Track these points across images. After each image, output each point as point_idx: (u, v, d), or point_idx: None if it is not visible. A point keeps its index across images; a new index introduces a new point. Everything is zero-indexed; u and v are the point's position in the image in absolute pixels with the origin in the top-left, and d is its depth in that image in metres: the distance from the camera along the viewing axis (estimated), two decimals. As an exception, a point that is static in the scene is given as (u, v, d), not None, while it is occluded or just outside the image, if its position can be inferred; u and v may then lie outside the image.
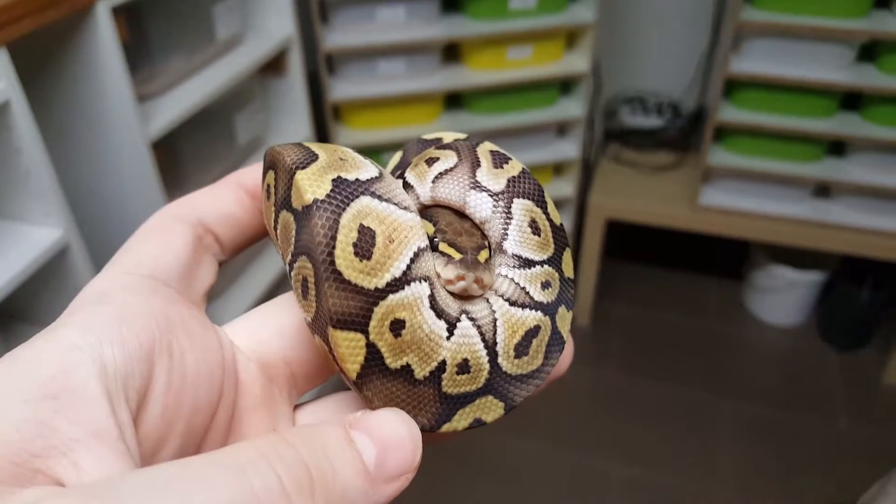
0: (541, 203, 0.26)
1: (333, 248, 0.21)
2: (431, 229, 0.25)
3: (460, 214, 0.26)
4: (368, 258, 0.21)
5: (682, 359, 1.76)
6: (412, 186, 0.27)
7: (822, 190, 1.60)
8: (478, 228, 0.26)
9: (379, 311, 0.21)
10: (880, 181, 1.46)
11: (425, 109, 1.54)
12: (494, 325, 0.24)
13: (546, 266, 0.25)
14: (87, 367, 0.19)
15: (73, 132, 0.99)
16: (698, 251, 1.99)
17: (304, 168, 0.23)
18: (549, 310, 0.25)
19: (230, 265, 1.29)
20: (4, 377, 0.18)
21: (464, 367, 0.23)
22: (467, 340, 0.23)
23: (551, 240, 0.26)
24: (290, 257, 0.23)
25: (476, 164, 0.26)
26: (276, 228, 0.24)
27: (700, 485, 1.46)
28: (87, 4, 0.85)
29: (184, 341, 0.22)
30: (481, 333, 0.23)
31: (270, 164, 0.25)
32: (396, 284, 0.22)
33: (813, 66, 1.39)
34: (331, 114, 1.49)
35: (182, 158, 1.14)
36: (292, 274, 0.23)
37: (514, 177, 0.26)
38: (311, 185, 0.22)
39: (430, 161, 0.27)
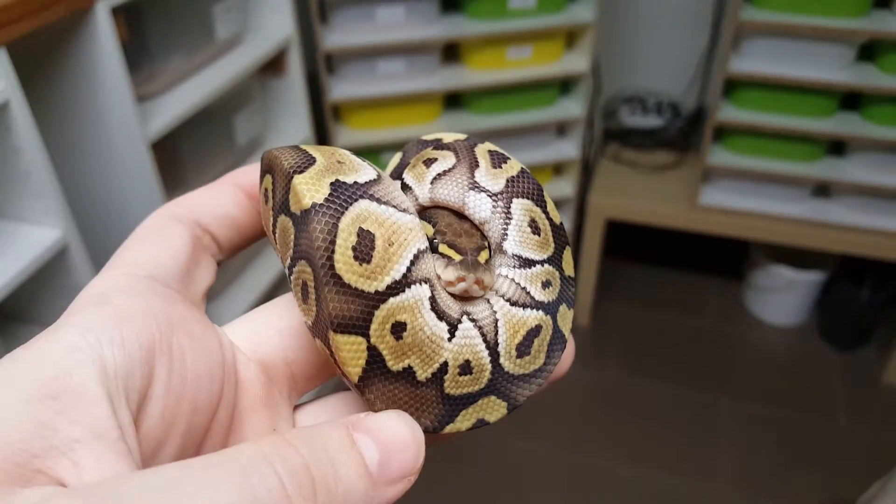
0: (540, 202, 0.26)
1: (333, 252, 0.21)
2: (431, 231, 0.25)
3: (460, 215, 0.26)
4: (368, 262, 0.21)
5: (681, 358, 1.76)
6: (411, 188, 0.27)
7: (822, 190, 1.60)
8: (477, 229, 0.26)
9: (380, 314, 0.21)
10: (880, 181, 1.46)
11: (425, 109, 1.54)
12: (496, 326, 0.24)
13: (546, 265, 0.25)
14: (87, 367, 0.19)
15: (73, 132, 0.99)
16: (698, 251, 1.99)
17: (301, 172, 0.23)
18: (550, 309, 0.25)
19: (230, 265, 1.29)
20: (5, 378, 0.18)
21: (466, 367, 0.23)
22: (469, 341, 0.23)
23: (551, 239, 0.26)
24: (289, 261, 0.23)
25: (474, 164, 0.26)
26: (274, 232, 0.24)
27: (700, 485, 1.46)
28: (86, 4, 0.85)
29: (184, 341, 0.22)
30: (483, 334, 0.23)
31: (267, 168, 0.25)
32: (397, 287, 0.22)
33: (813, 65, 1.39)
34: (330, 114, 1.49)
35: (182, 158, 1.14)
36: (292, 278, 0.23)
37: (512, 176, 0.26)
38: (310, 190, 0.22)
39: (429, 162, 0.27)
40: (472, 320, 0.23)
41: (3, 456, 0.17)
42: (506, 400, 0.24)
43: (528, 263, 0.25)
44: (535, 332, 0.24)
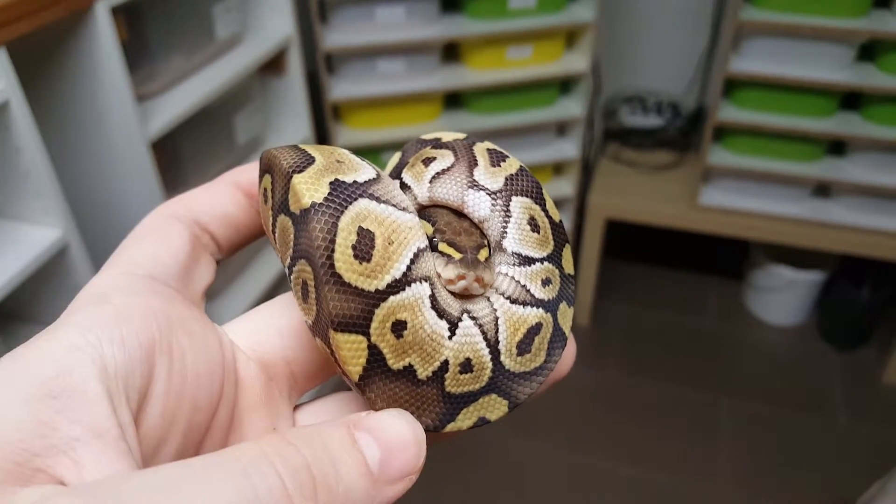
0: (539, 200, 0.26)
1: (333, 251, 0.21)
2: (430, 229, 0.25)
3: (459, 214, 0.26)
4: (368, 260, 0.21)
5: (681, 358, 1.76)
6: (409, 187, 0.27)
7: (822, 189, 1.60)
8: (477, 227, 0.26)
9: (380, 312, 0.21)
10: (880, 181, 1.46)
11: (425, 109, 1.54)
12: (496, 324, 0.24)
13: (546, 263, 0.25)
14: (87, 367, 0.19)
15: (73, 132, 0.99)
16: (698, 251, 1.99)
17: (300, 171, 0.23)
18: (550, 307, 0.25)
19: (230, 264, 1.29)
20: (5, 377, 0.18)
21: (466, 366, 0.23)
22: (469, 339, 0.23)
23: (550, 237, 0.26)
24: (289, 261, 0.23)
25: (473, 162, 0.26)
26: (274, 232, 0.24)
27: (700, 485, 1.46)
28: (86, 4, 0.85)
29: (184, 340, 0.22)
30: (483, 332, 0.23)
31: (266, 168, 0.25)
32: (397, 286, 0.21)
33: (813, 65, 1.39)
34: (330, 113, 1.49)
35: (181, 158, 1.14)
36: (292, 277, 0.23)
37: (511, 175, 0.26)
38: (309, 189, 0.22)
39: (427, 161, 0.27)
40: (473, 318, 0.23)
41: (4, 455, 0.17)
42: (507, 398, 0.24)
43: (527, 261, 0.25)
44: (535, 329, 0.24)
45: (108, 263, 0.24)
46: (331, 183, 0.22)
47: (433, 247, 0.24)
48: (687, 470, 1.49)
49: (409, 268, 0.22)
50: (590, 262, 1.76)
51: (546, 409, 1.61)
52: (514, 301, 0.24)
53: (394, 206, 0.22)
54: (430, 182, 0.26)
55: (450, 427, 0.23)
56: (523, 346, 0.24)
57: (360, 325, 0.21)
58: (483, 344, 0.23)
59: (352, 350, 0.21)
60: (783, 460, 1.51)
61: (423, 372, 0.22)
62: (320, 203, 0.21)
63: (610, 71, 1.80)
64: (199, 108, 1.07)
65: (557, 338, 0.25)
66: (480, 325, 0.23)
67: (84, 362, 0.19)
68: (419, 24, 1.42)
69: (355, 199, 0.22)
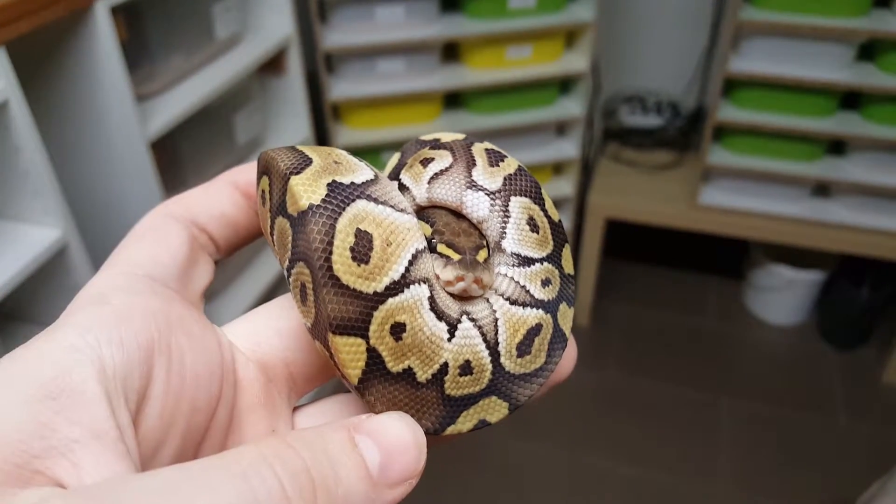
0: (538, 200, 0.26)
1: (331, 253, 0.21)
2: (429, 230, 0.25)
3: (457, 214, 0.26)
4: (366, 262, 0.21)
5: (681, 358, 1.76)
6: (408, 188, 0.26)
7: (822, 189, 1.60)
8: (476, 228, 0.26)
9: (378, 315, 0.21)
10: (880, 180, 1.46)
11: (425, 109, 1.54)
12: (496, 325, 0.24)
13: (546, 263, 0.25)
14: (86, 368, 0.19)
15: (72, 132, 0.99)
16: (698, 250, 1.99)
17: (298, 173, 0.22)
18: (550, 307, 0.25)
19: (229, 265, 1.29)
20: (4, 378, 0.18)
21: (466, 368, 0.23)
22: (469, 341, 0.23)
23: (550, 237, 0.26)
24: (287, 263, 0.22)
25: (471, 163, 0.26)
26: (272, 234, 0.24)
27: (700, 484, 1.46)
28: (85, 4, 0.85)
29: (183, 341, 0.22)
30: (483, 334, 0.23)
31: (264, 170, 0.25)
32: (395, 288, 0.21)
33: (812, 65, 1.39)
34: (330, 113, 1.49)
35: (181, 158, 1.14)
36: (290, 280, 0.23)
37: (510, 174, 0.26)
38: (306, 191, 0.22)
39: (426, 161, 0.27)
40: (472, 320, 0.23)
41: (3, 456, 0.17)
42: (507, 400, 0.24)
43: (527, 262, 0.25)
44: (535, 330, 0.24)
45: (107, 263, 0.24)
46: (328, 184, 0.22)
47: (432, 248, 0.24)
48: (687, 470, 1.49)
49: (407, 269, 0.22)
50: (590, 262, 1.76)
51: (546, 409, 1.61)
52: (513, 302, 0.24)
53: (392, 207, 0.22)
54: (429, 183, 0.26)
55: (450, 430, 0.23)
56: (523, 348, 0.24)
57: (358, 328, 0.21)
58: (483, 346, 0.23)
59: (350, 353, 0.21)
60: (783, 460, 1.51)
61: (423, 374, 0.22)
62: (318, 205, 0.21)
63: (609, 71, 1.80)
64: (198, 108, 1.07)
65: (557, 339, 0.25)
66: (480, 327, 0.23)
67: (83, 363, 0.19)
68: (419, 24, 1.42)
69: (353, 201, 0.22)
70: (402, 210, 0.23)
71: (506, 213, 0.25)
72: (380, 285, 0.21)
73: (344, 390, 0.25)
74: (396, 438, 0.20)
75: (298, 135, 1.39)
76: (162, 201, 0.29)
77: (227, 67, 1.15)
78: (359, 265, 0.21)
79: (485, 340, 0.23)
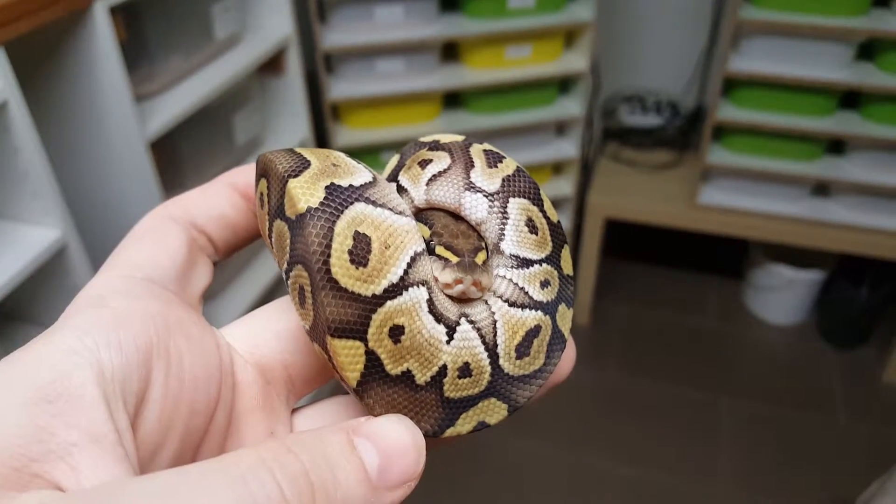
0: (537, 201, 0.26)
1: (329, 256, 0.21)
2: (427, 232, 0.25)
3: (456, 216, 0.26)
4: (365, 265, 0.21)
5: (681, 358, 1.76)
6: (406, 190, 0.26)
7: (821, 188, 1.60)
8: (474, 230, 0.26)
9: (377, 317, 0.21)
10: (879, 180, 1.46)
11: (424, 109, 1.54)
12: (494, 327, 0.24)
13: (544, 264, 0.25)
14: (84, 371, 0.18)
15: (72, 132, 0.99)
16: (697, 250, 1.99)
17: (296, 176, 0.22)
18: (548, 309, 0.25)
19: (227, 267, 1.29)
20: (2, 382, 0.18)
21: (465, 370, 0.23)
22: (467, 343, 0.23)
23: (549, 238, 0.26)
24: (285, 266, 0.22)
25: (470, 164, 0.26)
26: (270, 237, 0.24)
27: (700, 484, 1.46)
28: (84, 4, 0.85)
29: (181, 344, 0.22)
30: (481, 336, 0.23)
31: (262, 172, 0.25)
32: (394, 290, 0.21)
33: (812, 64, 1.39)
34: (329, 113, 1.49)
35: (180, 158, 1.14)
36: (289, 282, 0.23)
37: (508, 176, 0.26)
38: (305, 194, 0.22)
39: (424, 163, 0.27)
40: (471, 322, 0.23)
41: (1, 460, 0.17)
42: (506, 402, 0.24)
43: (525, 263, 0.25)
44: (534, 332, 0.24)
45: (106, 265, 0.24)
46: (326, 187, 0.22)
47: (430, 250, 0.24)
48: (687, 470, 1.49)
49: (405, 272, 0.22)
50: (589, 262, 1.76)
51: (546, 409, 1.61)
52: (512, 304, 0.24)
53: (390, 209, 0.22)
54: (427, 184, 0.26)
55: (449, 432, 0.23)
56: (522, 349, 0.24)
57: (357, 331, 0.21)
58: (481, 348, 0.23)
59: (349, 356, 0.21)
60: (783, 459, 1.51)
61: (422, 377, 0.22)
62: (316, 208, 0.21)
63: (609, 70, 1.80)
64: (197, 109, 1.07)
65: (556, 340, 0.25)
66: (479, 329, 0.23)
67: (81, 366, 0.19)
68: (418, 24, 1.42)
69: (351, 204, 0.22)
70: (400, 213, 0.23)
71: (504, 215, 0.25)
72: (378, 288, 0.21)
73: (342, 392, 0.25)
74: (395, 441, 0.20)
75: (298, 135, 1.39)
76: (161, 202, 0.29)
77: (227, 67, 1.15)
78: (357, 268, 0.21)
79: (483, 342, 0.23)
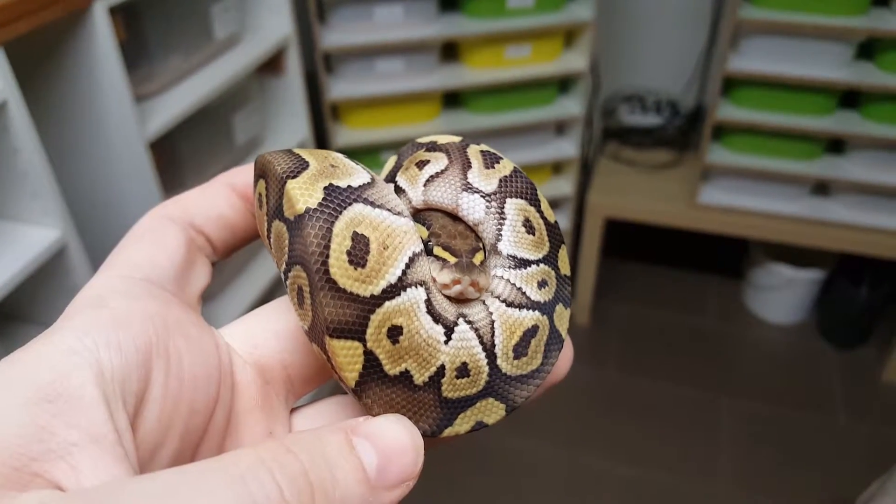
0: (534, 201, 0.26)
1: (327, 256, 0.21)
2: (425, 233, 0.25)
3: (454, 217, 0.26)
4: (363, 266, 0.21)
5: (681, 357, 1.76)
6: (404, 190, 0.27)
7: (821, 188, 1.60)
8: (472, 230, 0.26)
9: (375, 318, 0.21)
10: (879, 179, 1.46)
11: (424, 108, 1.54)
12: (492, 327, 0.24)
13: (542, 265, 0.25)
14: (84, 371, 0.19)
15: (71, 132, 0.99)
16: (697, 250, 1.99)
17: (294, 177, 0.22)
18: (546, 309, 0.25)
19: (226, 267, 1.29)
20: (2, 381, 0.18)
21: (463, 370, 0.23)
22: (465, 344, 0.23)
23: (546, 238, 0.26)
24: (284, 266, 0.23)
25: (467, 165, 0.26)
26: (269, 237, 0.24)
27: (700, 484, 1.46)
28: (84, 4, 0.85)
29: (180, 344, 0.22)
30: (479, 336, 0.23)
31: (261, 173, 0.25)
32: (392, 291, 0.21)
33: (812, 63, 1.39)
34: (329, 113, 1.49)
35: (180, 158, 1.14)
36: (288, 283, 0.23)
37: (505, 176, 0.26)
38: (303, 195, 0.22)
39: (421, 164, 0.27)
40: (469, 322, 0.23)
41: (2, 460, 0.17)
42: (504, 402, 0.24)
43: (523, 263, 0.25)
44: (531, 332, 0.24)
45: (105, 266, 0.24)
46: (325, 188, 0.22)
47: (428, 251, 0.24)
48: (687, 469, 1.49)
49: (404, 272, 0.22)
50: (589, 262, 1.76)
51: (545, 409, 1.61)
52: (509, 304, 0.24)
53: (388, 210, 0.22)
54: (425, 185, 0.26)
55: (447, 432, 0.23)
56: (520, 350, 0.24)
57: (355, 331, 0.21)
58: (479, 348, 0.23)
59: (347, 356, 0.21)
60: (783, 459, 1.51)
61: (420, 377, 0.22)
62: (314, 209, 0.21)
63: (609, 70, 1.80)
64: (197, 109, 1.07)
65: (554, 340, 0.25)
66: (476, 329, 0.23)
67: (81, 366, 0.19)
68: (418, 24, 1.42)
69: (350, 204, 0.22)
70: (398, 213, 0.23)
71: (501, 215, 0.25)
72: (377, 288, 0.21)
73: (341, 392, 0.26)
74: (394, 441, 0.20)
75: (297, 135, 1.39)
76: (161, 201, 0.29)
77: (226, 68, 1.15)
78: (355, 268, 0.21)
79: (481, 342, 0.23)
